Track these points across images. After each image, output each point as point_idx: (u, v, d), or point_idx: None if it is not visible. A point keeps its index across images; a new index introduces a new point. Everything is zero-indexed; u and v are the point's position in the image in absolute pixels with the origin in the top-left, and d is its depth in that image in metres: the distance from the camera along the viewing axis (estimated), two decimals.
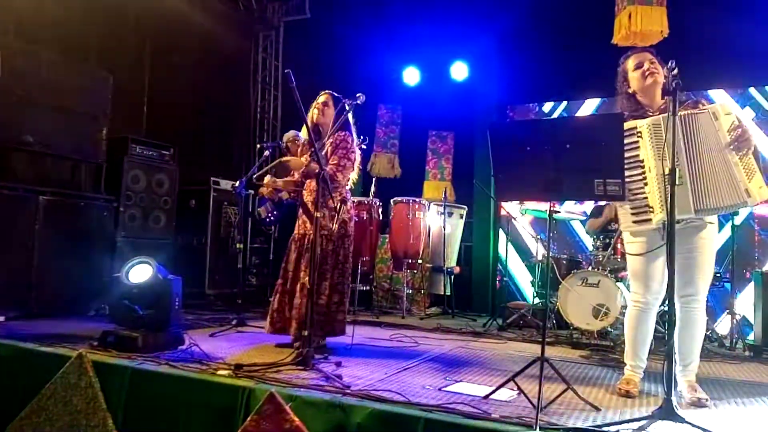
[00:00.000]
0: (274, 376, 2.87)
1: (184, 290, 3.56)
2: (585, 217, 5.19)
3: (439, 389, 2.83)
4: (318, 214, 3.25)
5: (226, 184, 6.15)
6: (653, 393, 2.96)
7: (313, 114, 3.80)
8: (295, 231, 3.82)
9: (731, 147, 2.65)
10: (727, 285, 4.89)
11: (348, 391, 2.67)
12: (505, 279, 5.73)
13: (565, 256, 5.14)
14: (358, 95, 3.58)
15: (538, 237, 5.19)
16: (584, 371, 3.54)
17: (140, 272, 3.44)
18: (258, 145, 6.47)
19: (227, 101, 7.31)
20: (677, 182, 2.35)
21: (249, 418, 2.49)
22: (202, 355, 3.27)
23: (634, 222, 2.82)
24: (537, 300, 5.23)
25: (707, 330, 4.71)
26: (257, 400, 2.58)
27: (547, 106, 6.74)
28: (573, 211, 5.26)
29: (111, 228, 5.12)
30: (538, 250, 5.24)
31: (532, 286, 5.43)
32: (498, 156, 2.77)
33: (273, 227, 5.56)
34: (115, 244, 5.11)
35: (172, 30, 6.30)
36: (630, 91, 2.95)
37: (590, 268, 4.63)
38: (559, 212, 5.05)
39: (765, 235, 5.66)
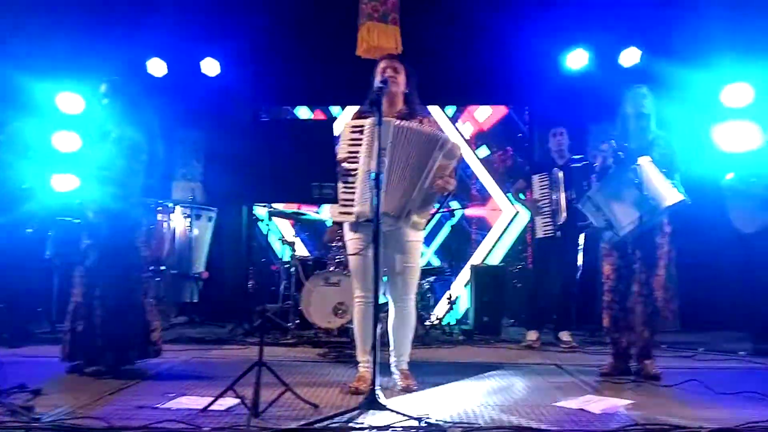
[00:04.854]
0: None
1: None
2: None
3: (155, 407, 2.62)
4: None
5: None
6: (387, 386, 3.06)
7: None
8: None
9: (432, 182, 2.91)
10: (448, 277, 5.55)
11: (36, 424, 2.30)
12: (252, 282, 5.64)
13: (311, 256, 5.26)
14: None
15: (285, 240, 5.22)
16: (317, 370, 3.65)
17: None
18: None
19: None
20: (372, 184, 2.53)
21: None
22: None
23: (340, 213, 2.96)
24: (285, 303, 5.24)
25: (430, 319, 5.30)
26: None
27: (304, 111, 6.88)
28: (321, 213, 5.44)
29: None
30: (285, 252, 5.26)
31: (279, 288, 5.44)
32: (223, 159, 2.71)
33: None
34: None
35: None
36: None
37: (332, 268, 4.82)
38: (304, 214, 5.17)
39: (478, 233, 6.60)
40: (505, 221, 6.59)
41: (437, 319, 5.42)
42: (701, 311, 5.71)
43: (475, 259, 6.49)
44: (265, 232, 5.96)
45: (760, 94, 5.37)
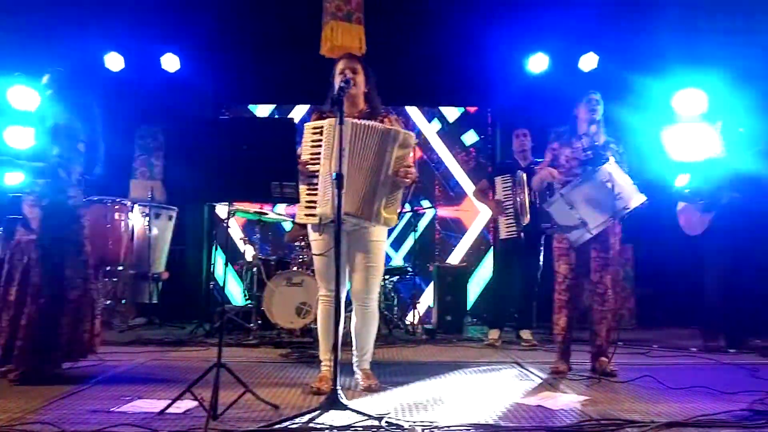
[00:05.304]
0: None
1: None
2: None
3: (109, 411, 2.54)
4: None
5: None
6: (349, 386, 3.08)
7: None
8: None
9: (393, 174, 2.90)
10: (412, 277, 5.57)
11: None
12: (212, 283, 5.55)
13: (273, 257, 5.21)
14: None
15: (247, 239, 5.16)
16: (278, 370, 3.60)
17: None
18: None
19: None
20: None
21: None
22: None
23: (305, 215, 2.93)
24: (247, 303, 5.18)
25: (398, 318, 5.32)
26: None
27: (264, 109, 6.80)
28: (283, 213, 5.39)
29: None
30: (246, 252, 5.20)
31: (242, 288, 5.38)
32: (178, 156, 2.64)
33: None
34: None
35: None
36: (335, 92, 3.02)
37: (295, 268, 4.78)
38: (267, 214, 5.11)
39: (444, 234, 6.63)
40: (482, 223, 6.57)
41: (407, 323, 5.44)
42: (655, 309, 5.91)
43: (443, 259, 6.43)
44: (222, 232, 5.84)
45: (713, 100, 5.59)
